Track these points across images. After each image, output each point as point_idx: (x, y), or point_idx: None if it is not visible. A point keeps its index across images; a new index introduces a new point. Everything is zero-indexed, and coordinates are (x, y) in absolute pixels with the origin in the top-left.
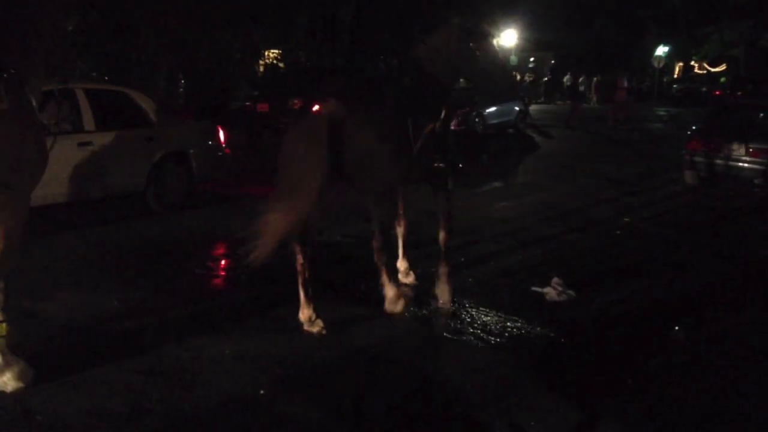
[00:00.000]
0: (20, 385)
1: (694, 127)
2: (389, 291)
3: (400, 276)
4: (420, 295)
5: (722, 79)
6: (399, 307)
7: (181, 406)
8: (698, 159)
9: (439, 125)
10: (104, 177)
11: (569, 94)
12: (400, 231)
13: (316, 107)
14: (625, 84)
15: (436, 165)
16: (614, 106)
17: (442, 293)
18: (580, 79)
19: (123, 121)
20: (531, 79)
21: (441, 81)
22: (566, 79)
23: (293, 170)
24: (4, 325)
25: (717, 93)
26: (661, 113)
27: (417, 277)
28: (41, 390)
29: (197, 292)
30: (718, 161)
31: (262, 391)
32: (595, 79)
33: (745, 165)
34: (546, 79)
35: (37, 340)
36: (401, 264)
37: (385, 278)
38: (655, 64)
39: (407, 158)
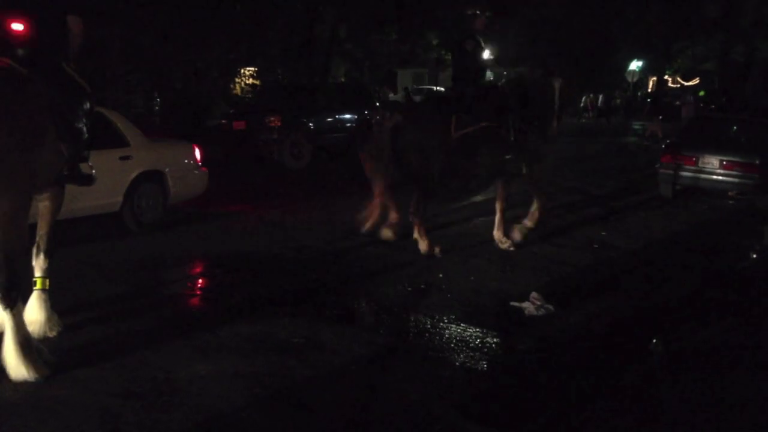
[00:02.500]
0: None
1: (668, 141)
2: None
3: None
4: (406, 310)
5: (702, 93)
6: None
7: (158, 429)
8: (673, 172)
9: (505, 130)
10: (79, 196)
11: (650, 110)
12: (499, 207)
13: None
14: (691, 100)
15: (506, 157)
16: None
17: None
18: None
19: (98, 140)
20: None
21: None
22: (584, 99)
23: (374, 159)
24: (47, 280)
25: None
26: (636, 127)
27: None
28: (14, 414)
29: (173, 311)
30: (693, 174)
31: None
32: (592, 96)
33: (720, 178)
34: None
35: None
36: (496, 233)
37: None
38: (629, 79)
39: (444, 149)
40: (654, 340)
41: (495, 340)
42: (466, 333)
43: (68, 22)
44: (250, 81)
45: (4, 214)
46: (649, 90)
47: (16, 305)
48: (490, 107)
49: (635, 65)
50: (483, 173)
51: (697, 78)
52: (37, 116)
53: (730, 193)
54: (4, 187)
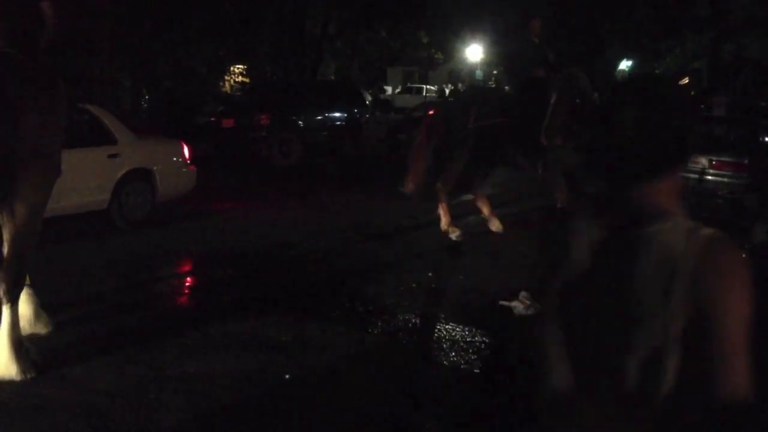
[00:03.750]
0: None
1: None
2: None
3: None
4: (395, 308)
5: (693, 93)
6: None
7: (147, 427)
8: None
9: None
10: (67, 194)
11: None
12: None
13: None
14: (723, 100)
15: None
16: None
17: None
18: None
19: (86, 138)
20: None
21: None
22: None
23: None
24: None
25: None
26: None
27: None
28: (1, 412)
29: (162, 309)
30: (682, 174)
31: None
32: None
33: (709, 177)
34: None
35: None
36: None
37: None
38: (619, 78)
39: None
40: None
41: (484, 339)
42: (455, 332)
43: (41, 8)
44: (240, 78)
45: (33, 207)
46: None
47: (16, 302)
48: (509, 103)
49: (624, 64)
50: (488, 166)
51: (687, 77)
52: (65, 110)
53: (719, 192)
54: (42, 182)
